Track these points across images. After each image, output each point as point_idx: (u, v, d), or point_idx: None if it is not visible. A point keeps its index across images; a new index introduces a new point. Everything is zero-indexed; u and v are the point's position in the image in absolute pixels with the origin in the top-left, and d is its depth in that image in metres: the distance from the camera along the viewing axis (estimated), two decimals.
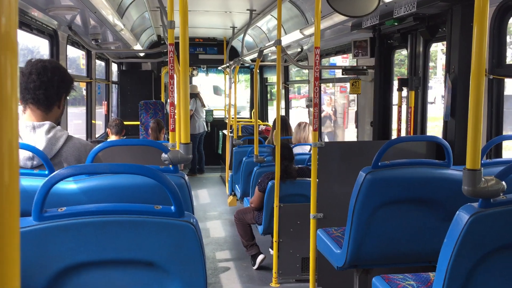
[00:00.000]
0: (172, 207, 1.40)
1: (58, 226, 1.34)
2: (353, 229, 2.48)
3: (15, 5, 0.40)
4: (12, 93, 0.40)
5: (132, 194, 1.86)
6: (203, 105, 10.17)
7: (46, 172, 1.89)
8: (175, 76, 3.17)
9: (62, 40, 4.78)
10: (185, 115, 2.09)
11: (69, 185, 1.81)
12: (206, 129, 10.10)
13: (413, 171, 2.47)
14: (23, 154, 1.99)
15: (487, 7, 1.47)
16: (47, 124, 2.05)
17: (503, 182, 1.53)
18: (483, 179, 1.51)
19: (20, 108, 2.15)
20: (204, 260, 1.45)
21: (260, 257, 4.71)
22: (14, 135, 0.40)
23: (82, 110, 6.67)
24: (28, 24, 4.06)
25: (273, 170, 4.23)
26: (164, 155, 2.03)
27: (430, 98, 4.04)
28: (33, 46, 4.89)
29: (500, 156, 3.28)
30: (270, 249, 5.06)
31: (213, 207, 7.39)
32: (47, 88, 2.07)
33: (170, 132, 3.16)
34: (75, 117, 7.43)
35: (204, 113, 10.27)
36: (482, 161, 2.52)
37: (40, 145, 2.01)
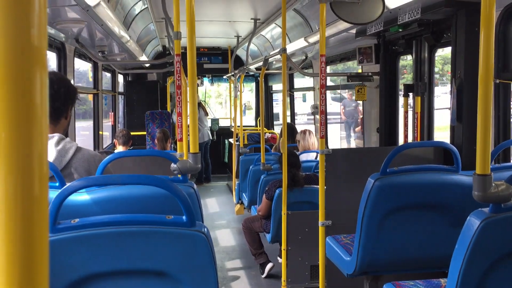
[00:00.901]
0: (184, 217, 1.41)
1: (71, 237, 1.36)
2: (362, 236, 2.48)
3: (44, 18, 0.42)
4: (42, 107, 0.41)
5: (142, 204, 1.88)
6: (207, 114, 10.21)
7: (57, 184, 1.91)
8: (182, 86, 3.19)
9: (69, 52, 4.83)
10: (194, 125, 2.11)
11: (81, 196, 1.83)
12: (210, 138, 10.12)
13: (421, 177, 2.47)
14: None
15: (494, 11, 1.48)
16: (56, 136, 2.07)
17: None
18: (493, 184, 1.51)
19: None
20: (215, 269, 1.45)
21: (269, 265, 4.70)
22: (44, 148, 0.41)
23: (91, 124, 6.72)
24: None
25: (280, 178, 4.24)
26: (173, 165, 2.04)
27: (446, 104, 3.99)
28: None
29: (509, 160, 3.26)
30: (278, 257, 5.04)
31: (221, 216, 7.39)
32: (54, 100, 2.09)
33: (177, 142, 3.17)
34: (85, 129, 7.48)
35: (209, 122, 10.30)
36: (491, 166, 2.51)
37: (50, 157, 2.03)
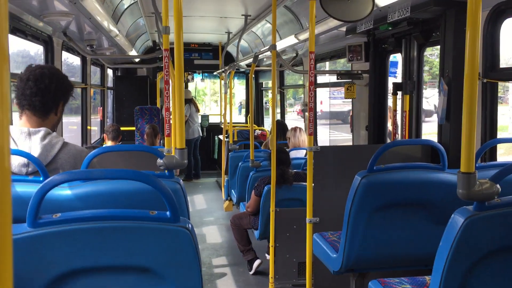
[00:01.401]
0: (168, 213, 1.40)
1: (53, 232, 1.34)
2: (349, 233, 2.48)
3: (5, 12, 0.40)
4: (3, 100, 0.40)
5: (127, 200, 1.86)
6: (198, 110, 10.18)
7: (41, 179, 1.89)
8: (170, 81, 3.17)
9: (57, 46, 4.77)
10: (180, 120, 2.09)
11: (64, 191, 1.81)
12: (201, 134, 10.10)
13: (408, 174, 2.48)
14: (18, 161, 1.98)
15: (480, 11, 1.48)
16: (42, 130, 2.04)
17: (498, 185, 1.54)
18: (477, 182, 1.52)
19: (17, 114, 2.14)
20: (200, 265, 1.44)
21: (257, 262, 4.70)
22: (5, 142, 0.40)
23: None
24: (22, 30, 4.05)
25: (269, 174, 4.23)
26: (159, 161, 2.03)
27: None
28: (34, 53, 4.86)
29: (495, 159, 3.29)
30: (266, 254, 5.05)
31: (209, 213, 7.38)
32: (44, 95, 2.06)
33: (165, 138, 3.15)
34: (75, 124, 7.41)
35: (199, 118, 10.26)
36: (477, 164, 2.53)
37: (35, 151, 2.00)
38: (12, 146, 2.03)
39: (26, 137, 2.02)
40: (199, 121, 10.21)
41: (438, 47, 3.58)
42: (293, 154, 5.25)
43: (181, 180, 2.03)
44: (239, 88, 14.19)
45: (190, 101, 9.89)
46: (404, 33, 4.12)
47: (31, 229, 1.33)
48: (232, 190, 6.23)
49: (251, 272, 4.70)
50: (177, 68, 2.09)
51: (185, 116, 9.74)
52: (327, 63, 6.74)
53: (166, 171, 2.04)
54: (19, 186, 1.80)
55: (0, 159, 0.39)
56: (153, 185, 1.38)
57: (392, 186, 2.45)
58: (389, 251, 2.55)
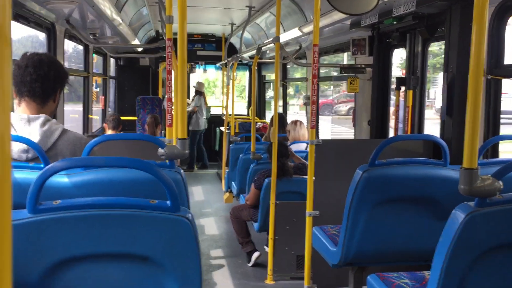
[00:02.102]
0: (168, 202, 1.40)
1: (53, 219, 1.33)
2: (349, 227, 2.48)
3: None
4: (4, 85, 0.39)
5: (128, 189, 1.86)
6: (206, 103, 10.19)
7: (42, 165, 1.88)
8: (173, 71, 3.16)
9: (59, 33, 4.75)
10: (182, 110, 2.08)
11: (65, 179, 1.80)
12: (206, 127, 10.14)
13: (409, 169, 2.47)
14: (18, 147, 1.97)
15: (487, 6, 1.47)
16: (42, 117, 2.04)
17: (500, 182, 1.53)
18: (479, 178, 1.51)
19: (15, 101, 2.13)
20: (199, 255, 1.44)
21: (256, 254, 4.71)
22: (6, 128, 0.39)
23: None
24: (25, 17, 4.04)
25: (269, 167, 4.23)
26: (160, 150, 2.02)
27: None
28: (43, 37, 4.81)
29: (497, 156, 3.28)
30: (265, 246, 5.05)
31: (209, 204, 7.39)
32: (44, 81, 2.06)
33: (167, 128, 3.15)
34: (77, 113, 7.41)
35: (206, 111, 10.28)
36: (479, 161, 2.52)
37: (35, 137, 2.00)
38: (12, 132, 2.02)
39: (25, 124, 2.01)
40: (206, 113, 10.22)
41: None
42: (294, 147, 5.24)
43: (182, 170, 2.02)
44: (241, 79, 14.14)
45: (200, 94, 9.90)
46: (409, 27, 4.10)
47: (31, 215, 1.33)
48: (233, 182, 6.23)
49: (250, 264, 4.71)
50: (180, 58, 2.08)
51: (196, 107, 9.77)
52: (327, 57, 6.71)
53: (167, 161, 2.04)
54: (19, 172, 1.80)
55: (1, 145, 0.38)
56: (154, 174, 1.37)
57: (393, 181, 2.44)
58: (388, 246, 2.55)
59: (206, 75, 11.33)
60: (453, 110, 3.32)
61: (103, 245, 1.37)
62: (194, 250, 1.42)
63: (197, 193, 8.19)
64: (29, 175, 1.76)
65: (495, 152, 3.26)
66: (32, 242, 1.33)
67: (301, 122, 5.57)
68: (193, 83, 10.78)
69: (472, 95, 1.50)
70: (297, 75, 10.72)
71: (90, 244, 1.36)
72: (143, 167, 1.38)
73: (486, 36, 1.52)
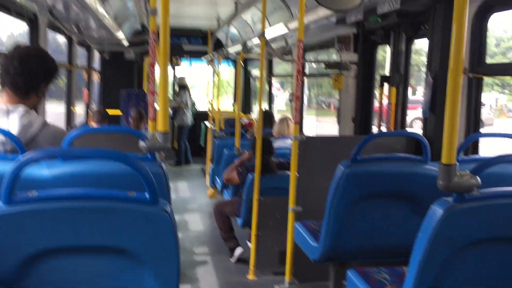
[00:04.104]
0: (146, 194, 1.38)
1: (28, 210, 1.32)
2: (330, 222, 2.49)
3: None
4: None
5: (107, 182, 1.84)
6: (190, 98, 10.11)
7: (20, 157, 1.85)
8: (156, 64, 3.13)
9: (42, 25, 4.68)
10: (164, 103, 2.07)
11: (43, 171, 1.78)
12: (193, 122, 10.08)
13: (390, 165, 2.49)
14: None
15: (467, 4, 1.48)
16: (21, 108, 2.01)
17: (478, 178, 1.55)
18: (457, 174, 1.53)
19: None
20: (177, 248, 1.43)
21: (238, 250, 4.71)
22: None
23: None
24: (6, 7, 3.96)
25: (253, 164, 4.22)
26: (141, 143, 2.00)
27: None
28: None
29: (477, 153, 3.32)
30: (248, 242, 5.06)
31: (193, 200, 7.36)
32: (27, 74, 2.04)
33: (149, 121, 3.12)
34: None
35: (191, 106, 10.21)
36: (460, 158, 2.55)
37: (14, 129, 1.97)
38: None
39: (3, 115, 1.98)
40: (191, 108, 10.16)
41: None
42: (280, 143, 5.24)
43: (163, 164, 2.01)
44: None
45: (184, 88, 9.83)
46: (393, 25, 4.12)
47: (6, 206, 1.30)
48: (217, 178, 6.21)
49: (233, 260, 4.71)
50: (163, 51, 2.07)
51: (181, 102, 9.68)
52: (318, 54, 6.73)
53: (148, 154, 2.02)
54: None
55: None
56: (131, 166, 1.36)
57: (375, 177, 2.46)
58: (369, 242, 2.57)
59: (222, 75, 11.10)
60: (435, 107, 3.35)
61: (80, 238, 1.35)
62: (172, 243, 1.41)
63: (182, 188, 8.15)
64: (6, 167, 1.73)
65: (475, 149, 3.30)
66: (7, 234, 1.31)
67: (289, 118, 5.58)
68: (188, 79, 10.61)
69: (451, 92, 1.52)
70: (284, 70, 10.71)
71: (66, 237, 1.35)
72: (121, 159, 1.36)
73: (468, 34, 1.54)
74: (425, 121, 3.49)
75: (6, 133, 1.89)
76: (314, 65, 7.35)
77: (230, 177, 4.71)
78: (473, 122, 3.24)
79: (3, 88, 2.05)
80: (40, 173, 1.78)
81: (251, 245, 4.35)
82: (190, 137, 10.12)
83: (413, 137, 3.11)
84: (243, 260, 4.66)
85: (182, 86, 9.83)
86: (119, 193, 1.38)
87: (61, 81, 6.47)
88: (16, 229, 1.31)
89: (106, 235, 1.37)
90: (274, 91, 9.52)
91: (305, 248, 2.85)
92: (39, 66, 2.07)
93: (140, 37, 6.40)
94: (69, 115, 6.44)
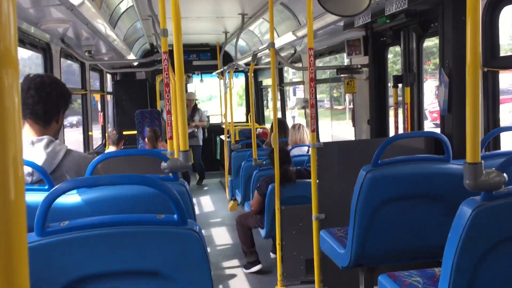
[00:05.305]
0: (175, 216, 1.40)
1: (61, 240, 1.34)
2: (356, 228, 2.48)
3: (14, 20, 0.40)
4: (15, 109, 0.40)
5: (133, 204, 1.86)
6: (203, 114, 10.05)
7: (46, 187, 1.89)
8: (170, 84, 3.17)
9: (55, 53, 4.77)
10: (183, 122, 2.09)
11: (70, 199, 1.81)
12: (206, 136, 10.01)
13: (413, 167, 2.47)
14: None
15: None
16: (45, 138, 2.05)
17: (504, 174, 1.53)
18: (484, 172, 1.51)
19: None
20: (209, 267, 1.44)
21: (258, 266, 4.72)
22: (18, 151, 0.40)
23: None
24: (20, 39, 4.05)
25: (271, 173, 4.22)
26: (163, 164, 2.03)
27: None
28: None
29: (499, 148, 3.28)
30: (271, 253, 5.05)
31: (215, 214, 7.38)
32: (46, 103, 2.07)
33: (168, 140, 3.15)
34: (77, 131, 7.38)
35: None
36: (482, 154, 2.52)
37: (40, 160, 2.00)
38: None
39: (29, 146, 2.02)
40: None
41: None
42: (296, 151, 5.24)
43: (186, 183, 2.03)
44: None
45: (195, 107, 9.65)
46: (402, 25, 4.11)
47: (40, 238, 1.33)
48: (237, 190, 6.22)
49: (246, 270, 4.74)
50: (178, 70, 2.09)
51: (205, 121, 9.59)
52: (326, 58, 6.73)
53: (170, 174, 2.04)
54: (26, 195, 1.80)
55: (14, 169, 0.39)
56: (159, 189, 1.37)
57: (398, 180, 2.44)
58: (397, 245, 2.55)
59: (237, 88, 11.04)
60: (452, 105, 3.32)
61: (113, 263, 1.37)
62: (203, 262, 1.42)
63: (203, 203, 8.17)
64: (34, 197, 1.77)
65: (496, 144, 3.26)
66: (43, 265, 1.33)
67: (302, 125, 5.57)
68: (198, 94, 10.56)
69: (471, 88, 1.50)
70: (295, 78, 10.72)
71: (100, 263, 1.36)
72: (148, 183, 1.38)
73: (480, 28, 1.53)
74: (442, 119, 3.46)
75: (32, 164, 1.92)
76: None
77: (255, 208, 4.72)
78: (492, 116, 3.21)
79: (25, 120, 2.09)
80: (67, 200, 1.81)
81: (277, 255, 4.34)
82: (204, 151, 10.07)
83: (433, 136, 3.09)
84: (268, 272, 4.67)
85: (194, 108, 9.65)
86: (148, 217, 1.40)
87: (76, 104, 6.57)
88: (51, 260, 1.34)
89: (138, 259, 1.38)
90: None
91: (332, 256, 2.84)
92: (55, 92, 2.11)
93: (149, 58, 6.48)
94: (87, 139, 6.52)
